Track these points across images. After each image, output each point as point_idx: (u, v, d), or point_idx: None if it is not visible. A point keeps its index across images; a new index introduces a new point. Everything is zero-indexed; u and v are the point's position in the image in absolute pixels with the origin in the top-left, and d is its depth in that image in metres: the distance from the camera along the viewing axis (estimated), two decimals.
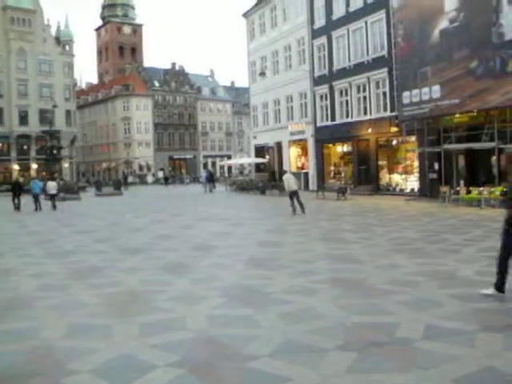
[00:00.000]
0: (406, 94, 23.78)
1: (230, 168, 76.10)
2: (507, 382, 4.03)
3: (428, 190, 23.64)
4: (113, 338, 5.28)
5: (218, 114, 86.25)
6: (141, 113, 75.90)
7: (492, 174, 20.65)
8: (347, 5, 29.80)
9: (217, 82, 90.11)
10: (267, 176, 37.34)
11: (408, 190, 26.15)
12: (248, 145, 61.78)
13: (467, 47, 20.39)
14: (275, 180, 33.82)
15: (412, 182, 26.23)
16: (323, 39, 32.09)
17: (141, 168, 75.62)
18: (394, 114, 25.73)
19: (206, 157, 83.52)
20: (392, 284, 7.15)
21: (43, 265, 9.78)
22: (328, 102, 32.06)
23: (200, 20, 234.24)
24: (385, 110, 27.38)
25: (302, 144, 35.77)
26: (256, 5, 40.15)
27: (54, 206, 24.88)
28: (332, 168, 33.31)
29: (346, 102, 30.53)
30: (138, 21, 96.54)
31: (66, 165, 58.65)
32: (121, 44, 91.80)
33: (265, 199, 28.87)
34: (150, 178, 70.05)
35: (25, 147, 59.72)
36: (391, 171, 28.23)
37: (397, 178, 27.73)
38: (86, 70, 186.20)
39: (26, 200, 25.08)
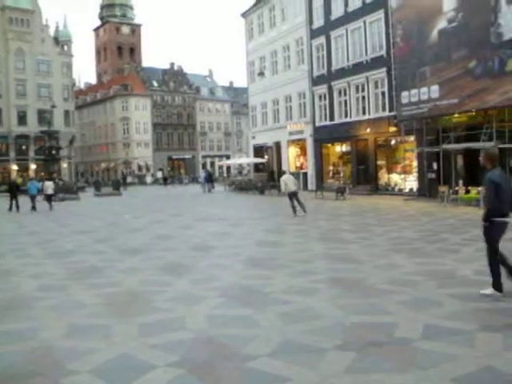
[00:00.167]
0: (404, 93, 23.80)
1: (228, 168, 76.17)
2: (507, 381, 4.04)
3: (427, 190, 23.66)
4: (112, 338, 5.29)
5: (216, 114, 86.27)
6: (139, 113, 75.89)
7: None
8: (346, 5, 29.82)
9: (215, 82, 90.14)
10: (266, 176, 37.35)
11: (407, 190, 26.18)
12: (247, 145, 61.86)
13: (466, 47, 20.41)
14: (274, 180, 33.82)
15: (411, 182, 26.26)
16: (322, 39, 32.10)
17: (140, 168, 75.62)
18: (392, 113, 25.75)
19: (204, 157, 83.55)
20: (391, 284, 7.16)
21: (43, 265, 9.78)
22: (327, 101, 32.08)
23: (198, 20, 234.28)
24: (383, 109, 27.40)
25: (300, 144, 35.79)
26: (255, 5, 40.17)
27: (51, 207, 24.90)
28: (331, 168, 33.33)
29: (345, 101, 30.56)
30: (136, 21, 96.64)
31: (64, 165, 58.61)
32: (119, 44, 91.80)
33: (264, 199, 28.88)
34: (148, 179, 70.03)
35: (23, 147, 59.71)
36: (390, 171, 28.25)
37: (395, 177, 27.76)
38: (85, 70, 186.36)
39: (23, 201, 25.06)
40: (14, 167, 58.11)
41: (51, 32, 64.39)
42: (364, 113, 28.89)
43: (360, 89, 29.22)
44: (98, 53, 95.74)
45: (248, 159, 47.19)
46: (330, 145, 33.17)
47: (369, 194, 27.12)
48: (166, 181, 57.87)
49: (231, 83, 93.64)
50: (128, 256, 10.52)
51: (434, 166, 23.45)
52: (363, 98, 28.99)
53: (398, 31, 24.56)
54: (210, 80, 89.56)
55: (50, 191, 25.48)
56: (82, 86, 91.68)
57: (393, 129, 26.07)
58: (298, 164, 36.47)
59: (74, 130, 66.00)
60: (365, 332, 5.18)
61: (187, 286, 7.60)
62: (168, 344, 5.02)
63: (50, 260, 10.34)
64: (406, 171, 26.94)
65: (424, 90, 22.40)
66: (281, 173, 25.09)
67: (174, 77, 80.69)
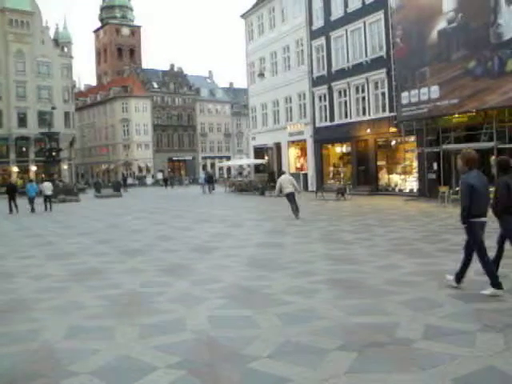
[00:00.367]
0: (404, 94, 23.82)
1: (229, 169, 76.19)
2: (507, 382, 4.04)
3: (427, 190, 23.67)
4: (113, 340, 5.29)
5: (216, 115, 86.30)
6: (140, 114, 75.93)
7: (491, 174, 20.67)
8: (345, 5, 29.84)
9: (215, 84, 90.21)
10: (266, 177, 37.35)
11: (407, 191, 26.19)
12: (247, 146, 61.87)
13: (465, 47, 20.42)
14: (274, 181, 33.70)
15: (411, 183, 26.27)
16: (322, 40, 32.12)
17: (140, 169, 75.66)
18: (392, 114, 25.77)
19: (204, 158, 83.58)
20: (392, 284, 7.16)
21: (44, 267, 9.79)
22: (327, 102, 32.10)
23: (198, 21, 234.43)
24: (384, 110, 27.41)
25: (301, 145, 35.80)
26: (254, 6, 40.21)
27: (49, 208, 24.98)
28: (331, 168, 33.35)
29: (345, 102, 30.58)
30: (136, 22, 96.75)
31: (65, 166, 58.65)
32: (119, 46, 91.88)
33: (264, 200, 28.87)
34: (149, 180, 70.05)
35: (24, 149, 59.73)
36: (390, 171, 28.26)
37: (396, 178, 27.77)
38: (85, 71, 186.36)
39: (22, 203, 25.13)
40: (15, 169, 58.13)
41: (51, 34, 64.44)
42: (364, 113, 28.90)
43: (360, 89, 29.23)
44: (97, 54, 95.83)
45: (248, 160, 47.21)
46: (330, 145, 33.19)
47: (369, 195, 27.12)
48: (166, 182, 57.86)
49: (231, 84, 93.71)
50: (129, 257, 10.52)
51: (435, 166, 23.45)
52: (363, 98, 29.00)
53: (397, 32, 24.58)
54: (210, 81, 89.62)
55: (48, 192, 25.52)
56: (82, 87, 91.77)
57: (393, 129, 26.08)
58: (299, 165, 36.49)
59: (74, 132, 66.05)
60: (366, 332, 5.18)
61: (188, 287, 7.60)
62: (169, 345, 5.01)
63: (51, 261, 10.35)
64: (406, 172, 26.94)
65: (424, 90, 22.41)
66: (280, 173, 24.82)
67: (174, 78, 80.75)
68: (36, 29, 61.03)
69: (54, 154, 43.27)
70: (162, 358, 4.66)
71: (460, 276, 6.69)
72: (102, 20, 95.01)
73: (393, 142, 27.73)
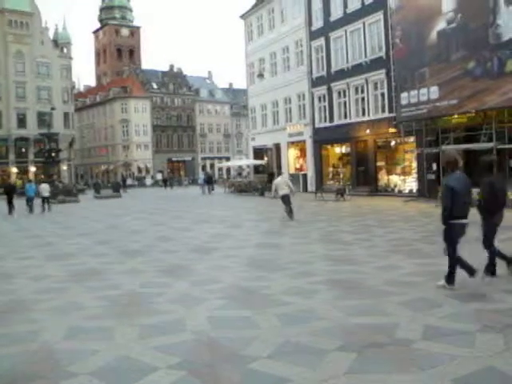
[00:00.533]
0: (404, 94, 23.82)
1: (228, 170, 76.17)
2: (507, 382, 4.04)
3: (426, 191, 23.66)
4: (113, 340, 5.29)
5: (216, 116, 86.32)
6: (139, 115, 75.93)
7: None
8: (345, 6, 29.85)
9: (215, 84, 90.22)
10: (266, 177, 37.34)
11: (406, 191, 26.18)
12: (246, 146, 61.88)
13: (465, 48, 20.43)
14: None
15: (410, 183, 26.27)
16: (321, 41, 32.13)
17: (139, 170, 75.66)
18: (392, 115, 25.77)
19: (204, 159, 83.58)
20: (391, 285, 7.16)
21: (43, 267, 9.79)
22: (326, 103, 32.10)
23: (198, 22, 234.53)
24: (383, 111, 27.42)
25: (300, 145, 35.80)
26: (254, 6, 40.22)
27: (47, 209, 25.02)
28: (330, 169, 33.34)
29: (344, 103, 30.58)
30: (135, 23, 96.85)
31: (64, 167, 58.65)
32: (119, 46, 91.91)
33: (263, 201, 28.85)
34: (148, 181, 70.01)
35: (23, 150, 59.72)
36: (390, 172, 28.26)
37: (395, 178, 27.76)
38: (84, 72, 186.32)
39: (20, 203, 25.15)
40: (14, 170, 58.12)
41: (50, 34, 64.48)
42: (363, 114, 28.91)
43: (359, 90, 29.24)
44: (97, 55, 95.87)
45: (248, 161, 47.21)
46: (329, 146, 33.18)
47: (368, 195, 27.13)
48: (165, 183, 57.86)
49: (231, 85, 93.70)
50: (128, 258, 10.53)
51: (434, 166, 23.44)
52: (363, 99, 29.00)
53: (397, 32, 24.59)
54: (209, 82, 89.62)
55: (45, 193, 25.58)
56: (82, 88, 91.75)
57: (392, 130, 26.08)
58: (298, 165, 36.48)
59: (74, 133, 66.04)
60: (365, 333, 5.18)
61: (187, 287, 7.60)
62: (168, 346, 5.02)
63: (51, 262, 10.35)
64: (405, 172, 26.94)
65: (423, 91, 22.42)
66: (277, 174, 24.52)
67: (174, 79, 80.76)
68: (35, 29, 61.04)
69: (53, 154, 43.27)
70: (161, 359, 4.66)
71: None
72: (101, 21, 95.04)
73: (392, 143, 27.74)
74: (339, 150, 32.58)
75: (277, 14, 36.92)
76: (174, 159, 79.72)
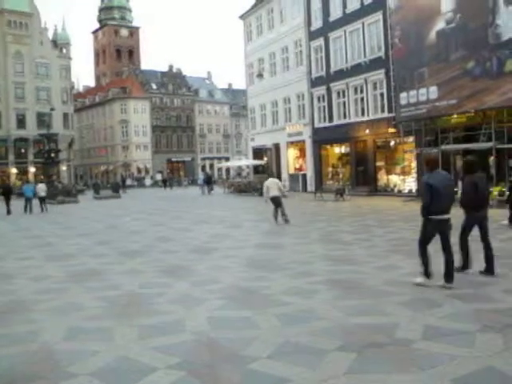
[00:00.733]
0: (403, 94, 23.84)
1: (228, 170, 76.18)
2: (506, 382, 4.04)
3: None
4: (113, 341, 5.28)
5: (215, 116, 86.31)
6: (138, 115, 75.91)
7: (490, 174, 20.70)
8: (344, 6, 29.86)
9: (214, 85, 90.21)
10: (265, 178, 37.27)
11: (406, 191, 26.19)
12: (246, 147, 61.89)
13: (464, 48, 20.45)
14: None
15: (410, 183, 26.27)
16: (320, 41, 32.14)
17: (139, 171, 75.64)
18: (391, 115, 25.78)
19: (203, 159, 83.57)
20: (391, 285, 7.16)
21: (43, 268, 9.78)
22: (325, 103, 32.12)
23: (197, 22, 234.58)
24: (382, 111, 27.43)
25: (299, 145, 35.81)
26: (253, 7, 40.22)
27: (44, 209, 25.09)
28: (330, 169, 33.34)
29: (344, 103, 30.59)
30: (135, 23, 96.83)
31: (63, 168, 58.64)
32: (118, 47, 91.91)
33: (263, 201, 28.81)
34: (148, 181, 69.97)
35: (22, 150, 59.70)
36: (389, 172, 28.27)
37: (395, 178, 27.77)
38: (84, 72, 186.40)
39: (19, 203, 25.20)
40: (14, 170, 58.10)
41: (50, 35, 64.46)
42: (363, 114, 28.92)
43: (359, 90, 29.25)
44: (96, 55, 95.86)
45: (247, 161, 47.20)
46: (329, 146, 33.20)
47: (368, 195, 27.14)
48: (165, 183, 57.83)
49: (230, 85, 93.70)
50: (128, 258, 10.52)
51: None
52: (362, 99, 29.02)
53: (396, 32, 24.61)
54: (208, 82, 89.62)
55: (42, 194, 25.68)
56: (81, 88, 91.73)
57: (392, 130, 26.09)
58: (298, 165, 36.49)
59: (73, 133, 66.03)
60: (365, 333, 5.18)
61: (187, 288, 7.60)
62: (168, 346, 5.01)
63: (50, 263, 10.34)
64: (405, 172, 26.95)
65: (423, 90, 22.44)
66: (273, 175, 23.77)
67: (173, 79, 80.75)
68: (35, 30, 61.02)
69: (52, 155, 43.27)
70: (161, 359, 4.66)
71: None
72: (100, 21, 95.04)
73: (391, 143, 27.75)
74: (338, 149, 32.59)
75: (276, 14, 36.94)
76: (173, 160, 79.71)
